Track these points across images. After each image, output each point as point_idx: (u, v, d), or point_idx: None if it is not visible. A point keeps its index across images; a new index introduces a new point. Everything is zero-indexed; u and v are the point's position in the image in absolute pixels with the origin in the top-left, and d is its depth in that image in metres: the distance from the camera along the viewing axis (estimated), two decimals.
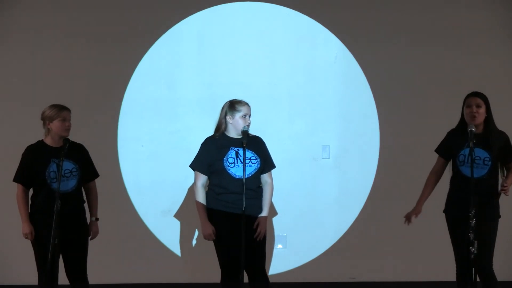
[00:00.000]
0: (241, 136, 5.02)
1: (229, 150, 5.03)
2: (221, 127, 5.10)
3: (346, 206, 6.63)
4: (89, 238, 5.18)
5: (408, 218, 5.23)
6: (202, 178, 5.09)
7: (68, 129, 5.13)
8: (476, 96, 5.02)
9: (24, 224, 5.12)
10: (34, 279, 5.35)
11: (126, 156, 6.60)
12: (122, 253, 6.47)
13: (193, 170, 5.13)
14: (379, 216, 6.58)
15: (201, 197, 5.09)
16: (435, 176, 5.22)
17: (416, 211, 5.21)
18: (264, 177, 5.13)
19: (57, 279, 5.00)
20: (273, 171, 5.17)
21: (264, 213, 5.06)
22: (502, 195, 5.01)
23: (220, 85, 6.61)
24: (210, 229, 5.01)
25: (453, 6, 6.67)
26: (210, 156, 5.06)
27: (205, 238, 5.05)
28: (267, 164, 5.12)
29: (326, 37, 6.66)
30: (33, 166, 5.13)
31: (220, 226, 5.03)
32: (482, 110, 4.99)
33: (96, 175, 5.30)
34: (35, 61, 6.59)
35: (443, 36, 6.66)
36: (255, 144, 5.09)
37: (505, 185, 4.93)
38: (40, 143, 5.20)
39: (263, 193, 5.11)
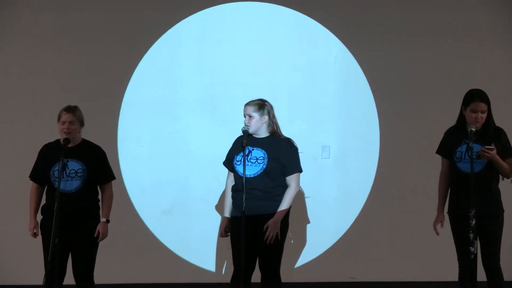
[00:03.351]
0: (260, 137, 5.08)
1: (245, 148, 5.01)
2: None
3: (346, 206, 6.62)
4: (96, 239, 5.17)
5: (435, 229, 5.11)
6: (230, 175, 5.18)
7: (67, 132, 5.11)
8: (481, 102, 4.93)
9: (30, 220, 5.20)
10: (34, 279, 5.36)
11: (126, 156, 6.60)
12: (122, 253, 6.47)
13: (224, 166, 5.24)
14: (379, 216, 6.58)
15: (226, 194, 5.17)
16: (445, 179, 5.14)
17: (439, 219, 5.10)
18: (287, 179, 5.08)
19: (58, 279, 5.02)
20: None
21: (275, 216, 4.98)
22: (503, 192, 5.00)
23: (220, 85, 6.61)
24: (222, 226, 5.13)
25: (454, 6, 6.66)
26: (232, 153, 5.15)
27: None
28: (287, 167, 5.05)
29: (326, 37, 6.66)
30: (43, 163, 5.18)
31: (232, 225, 5.08)
32: (486, 113, 4.97)
33: (109, 178, 5.29)
34: (35, 61, 6.59)
35: (444, 36, 6.65)
36: (273, 145, 5.06)
37: (487, 146, 4.83)
38: (56, 142, 5.24)
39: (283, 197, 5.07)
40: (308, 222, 6.58)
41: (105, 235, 5.17)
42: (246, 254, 4.82)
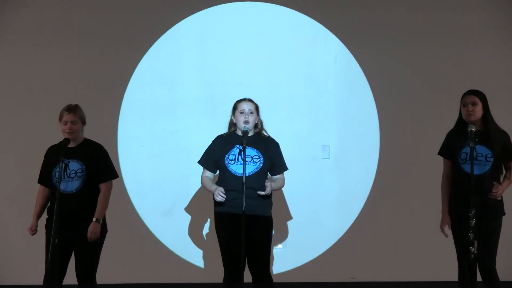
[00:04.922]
0: (249, 135, 5.10)
1: (233, 147, 5.08)
2: (231, 126, 5.21)
3: (346, 206, 6.62)
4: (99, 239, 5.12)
5: (442, 231, 5.10)
6: (207, 173, 5.20)
7: (68, 132, 5.11)
8: (471, 95, 5.02)
9: (32, 220, 5.19)
10: (35, 279, 5.36)
11: (126, 156, 6.60)
12: (122, 253, 6.47)
13: (200, 165, 5.22)
14: (379, 216, 6.58)
15: (205, 179, 5.16)
16: (447, 180, 5.15)
17: (446, 221, 5.09)
18: (276, 177, 5.23)
19: (58, 279, 5.01)
20: None
21: (267, 189, 5.00)
22: (505, 192, 5.01)
23: (220, 85, 6.61)
24: (217, 190, 5.00)
25: (453, 7, 6.67)
26: (215, 152, 5.15)
27: (216, 200, 5.04)
28: (277, 166, 5.17)
29: (326, 37, 6.67)
30: (47, 165, 5.18)
31: (222, 226, 5.07)
32: (479, 107, 4.99)
33: (107, 176, 5.21)
34: (35, 61, 6.59)
35: (443, 36, 6.66)
36: (263, 144, 5.13)
37: (494, 191, 4.89)
38: (60, 143, 5.19)
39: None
40: (308, 221, 6.58)
41: (96, 235, 5.06)
42: (241, 254, 4.83)
